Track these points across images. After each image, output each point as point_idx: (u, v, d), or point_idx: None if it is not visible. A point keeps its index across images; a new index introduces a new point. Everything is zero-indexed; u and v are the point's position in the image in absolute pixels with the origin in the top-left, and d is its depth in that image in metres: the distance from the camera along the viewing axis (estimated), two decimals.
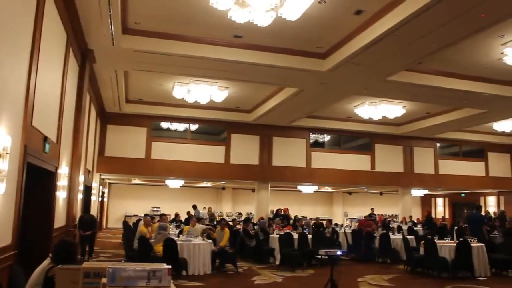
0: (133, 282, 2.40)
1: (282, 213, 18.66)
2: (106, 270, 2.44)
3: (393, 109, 15.05)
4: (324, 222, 16.58)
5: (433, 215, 28.58)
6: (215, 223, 15.45)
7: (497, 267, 10.95)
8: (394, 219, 23.32)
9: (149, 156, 17.50)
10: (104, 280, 2.49)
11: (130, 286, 2.40)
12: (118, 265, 2.48)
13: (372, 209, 22.84)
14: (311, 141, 19.87)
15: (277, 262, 11.72)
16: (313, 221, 17.86)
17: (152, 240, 10.17)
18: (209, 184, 25.96)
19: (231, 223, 15.96)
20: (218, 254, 10.84)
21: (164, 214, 12.90)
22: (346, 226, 18.51)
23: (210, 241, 10.77)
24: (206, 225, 14.60)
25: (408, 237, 12.79)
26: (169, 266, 2.51)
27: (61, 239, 4.21)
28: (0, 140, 4.46)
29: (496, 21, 8.30)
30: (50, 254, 4.04)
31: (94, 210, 15.48)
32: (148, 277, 2.43)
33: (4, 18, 4.45)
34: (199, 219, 13.67)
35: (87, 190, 13.34)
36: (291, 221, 16.95)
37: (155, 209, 24.90)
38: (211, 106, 15.93)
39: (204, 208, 23.12)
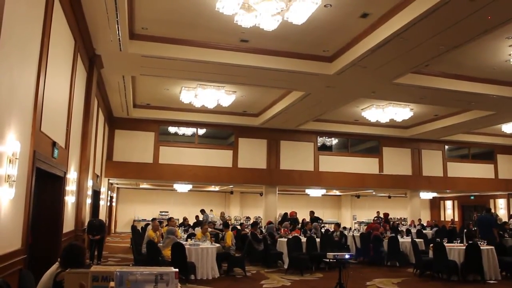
0: (141, 286, 2.41)
1: (289, 216, 18.58)
2: (114, 274, 2.46)
3: (401, 112, 15.01)
4: (332, 225, 16.53)
5: (442, 218, 28.50)
6: None
7: (508, 270, 10.85)
8: (402, 222, 23.19)
9: (157, 160, 17.57)
10: (112, 284, 2.50)
11: None
12: (126, 268, 2.49)
13: (377, 212, 22.83)
14: (318, 144, 19.85)
15: (286, 266, 11.69)
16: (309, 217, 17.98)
17: (161, 245, 10.20)
18: (217, 188, 25.99)
19: (239, 227, 15.95)
20: (225, 258, 10.86)
21: (171, 218, 12.91)
22: (355, 229, 18.45)
23: (218, 245, 10.79)
24: (216, 229, 14.63)
25: (417, 240, 12.72)
26: (176, 270, 2.52)
27: (69, 243, 4.23)
28: (9, 145, 4.51)
29: (503, 22, 8.25)
30: (58, 259, 4.06)
31: (102, 215, 15.54)
32: (156, 280, 2.44)
33: (13, 25, 4.50)
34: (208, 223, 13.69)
35: (96, 194, 13.41)
36: (299, 225, 16.91)
37: (163, 213, 24.97)
38: (219, 110, 16.00)
39: (211, 210, 23.14)
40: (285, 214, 18.75)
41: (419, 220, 20.96)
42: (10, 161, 4.49)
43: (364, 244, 13.75)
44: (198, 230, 13.05)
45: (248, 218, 25.03)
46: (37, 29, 5.57)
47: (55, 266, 4.01)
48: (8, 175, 4.46)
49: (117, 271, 2.43)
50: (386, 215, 19.57)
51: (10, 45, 4.46)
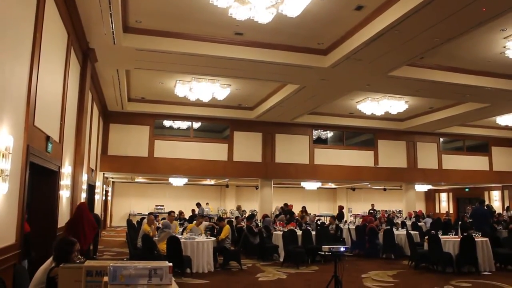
0: (134, 280, 2.41)
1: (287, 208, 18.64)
2: (107, 269, 2.45)
3: (396, 105, 15.02)
4: (329, 218, 16.58)
5: (437, 210, 28.67)
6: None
7: (502, 262, 10.94)
8: (397, 215, 23.33)
9: (152, 154, 17.52)
10: (105, 279, 2.49)
11: (132, 284, 2.40)
12: (120, 263, 2.48)
13: (372, 204, 22.95)
14: (314, 137, 19.85)
15: (281, 259, 11.72)
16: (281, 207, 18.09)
17: (156, 238, 10.20)
18: (212, 182, 25.99)
19: (234, 220, 15.97)
20: (221, 251, 10.88)
21: (171, 213, 12.88)
22: (350, 222, 18.51)
23: (213, 238, 10.80)
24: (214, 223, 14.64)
25: (412, 232, 12.77)
26: (170, 264, 2.52)
27: (60, 238, 4.22)
28: (2, 140, 4.48)
29: (497, 14, 8.25)
30: (53, 254, 4.06)
31: (98, 209, 15.51)
32: (149, 275, 2.44)
33: (4, 19, 4.46)
34: (202, 217, 13.72)
35: (91, 189, 13.36)
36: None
37: (159, 207, 25.00)
38: (214, 103, 15.96)
39: (207, 204, 23.16)
40: (285, 204, 18.79)
41: (415, 212, 21.05)
42: (3, 155, 4.46)
43: (359, 236, 13.81)
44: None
45: (244, 211, 25.07)
46: (30, 23, 5.51)
47: (48, 262, 4.00)
48: (1, 170, 4.43)
49: (110, 266, 2.42)
50: (341, 207, 19.79)
51: (1, 38, 4.42)
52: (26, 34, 5.39)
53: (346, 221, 17.75)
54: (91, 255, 10.91)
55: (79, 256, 4.08)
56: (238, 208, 19.63)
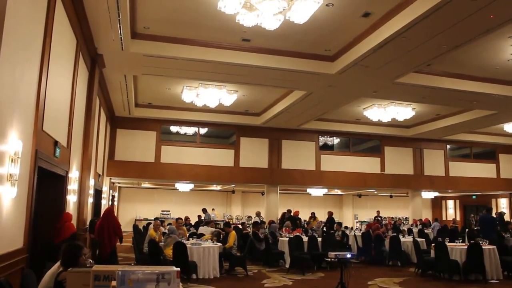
0: (143, 285, 2.42)
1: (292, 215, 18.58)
2: (115, 273, 2.46)
3: (403, 111, 15.00)
4: (335, 225, 16.53)
5: (443, 218, 28.51)
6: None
7: (510, 270, 10.83)
8: (403, 222, 23.21)
9: (158, 160, 17.58)
10: (114, 283, 2.51)
11: None
12: (128, 268, 2.50)
13: (378, 211, 22.83)
14: (320, 143, 19.84)
15: (287, 265, 11.69)
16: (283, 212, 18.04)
17: (162, 244, 10.21)
18: (218, 188, 26.00)
19: (240, 226, 15.95)
20: (227, 257, 10.87)
21: (179, 219, 12.89)
22: (356, 229, 18.44)
23: (219, 244, 10.79)
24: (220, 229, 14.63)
25: (419, 239, 12.70)
26: (178, 269, 2.53)
27: (68, 243, 4.23)
28: (11, 144, 4.52)
29: (505, 21, 8.23)
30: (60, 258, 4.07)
31: None
32: (157, 279, 2.45)
33: (15, 24, 4.51)
34: (208, 223, 13.71)
35: (97, 193, 13.42)
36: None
37: (165, 212, 25.02)
38: (220, 109, 16.01)
39: (213, 210, 23.16)
40: (289, 211, 18.72)
41: (420, 220, 20.94)
42: (12, 160, 4.50)
43: (365, 243, 13.74)
44: (203, 229, 13.08)
45: (249, 217, 25.05)
46: (39, 29, 5.57)
47: (56, 266, 4.01)
48: (10, 174, 4.47)
49: (119, 270, 2.44)
50: (330, 213, 19.72)
51: (12, 44, 4.46)
52: (36, 40, 5.45)
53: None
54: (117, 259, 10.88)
55: (91, 260, 4.10)
56: (258, 214, 19.62)
